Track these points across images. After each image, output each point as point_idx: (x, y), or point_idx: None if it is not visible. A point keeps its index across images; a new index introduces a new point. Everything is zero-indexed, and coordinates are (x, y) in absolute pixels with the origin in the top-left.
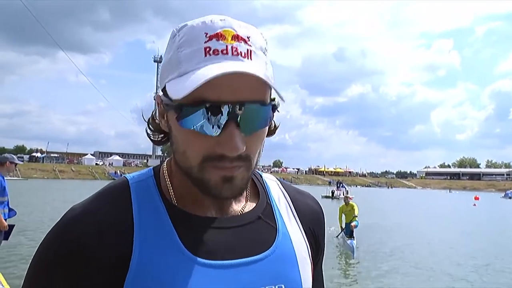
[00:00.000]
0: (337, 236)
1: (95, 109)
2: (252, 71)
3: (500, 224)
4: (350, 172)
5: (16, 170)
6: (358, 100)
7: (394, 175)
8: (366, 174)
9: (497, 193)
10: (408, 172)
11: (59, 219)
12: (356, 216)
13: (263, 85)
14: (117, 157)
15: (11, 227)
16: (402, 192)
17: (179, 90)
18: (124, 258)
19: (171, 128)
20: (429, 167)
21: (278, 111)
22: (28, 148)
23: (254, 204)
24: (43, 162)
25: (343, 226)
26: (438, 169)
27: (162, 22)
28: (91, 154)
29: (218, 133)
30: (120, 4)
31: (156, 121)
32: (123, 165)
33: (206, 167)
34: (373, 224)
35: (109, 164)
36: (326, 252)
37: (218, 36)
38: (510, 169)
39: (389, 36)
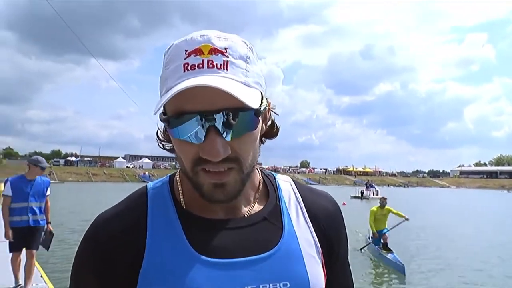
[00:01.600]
0: (361, 249)
1: (126, 113)
2: (217, 83)
3: None
4: (379, 171)
5: (53, 173)
6: (386, 98)
7: (426, 174)
8: (396, 174)
9: None
10: (441, 171)
11: (92, 221)
12: (402, 221)
13: (240, 93)
14: (147, 160)
15: (41, 232)
16: (439, 192)
17: (157, 105)
18: (138, 257)
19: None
20: (463, 165)
21: (276, 113)
22: (63, 153)
23: (262, 206)
24: (77, 165)
25: (375, 233)
26: (473, 168)
27: (191, 27)
28: (122, 158)
29: (201, 140)
30: (149, 10)
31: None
32: (152, 167)
33: (198, 171)
34: (411, 229)
35: (139, 166)
36: (366, 272)
37: (196, 52)
38: None
39: (419, 32)
